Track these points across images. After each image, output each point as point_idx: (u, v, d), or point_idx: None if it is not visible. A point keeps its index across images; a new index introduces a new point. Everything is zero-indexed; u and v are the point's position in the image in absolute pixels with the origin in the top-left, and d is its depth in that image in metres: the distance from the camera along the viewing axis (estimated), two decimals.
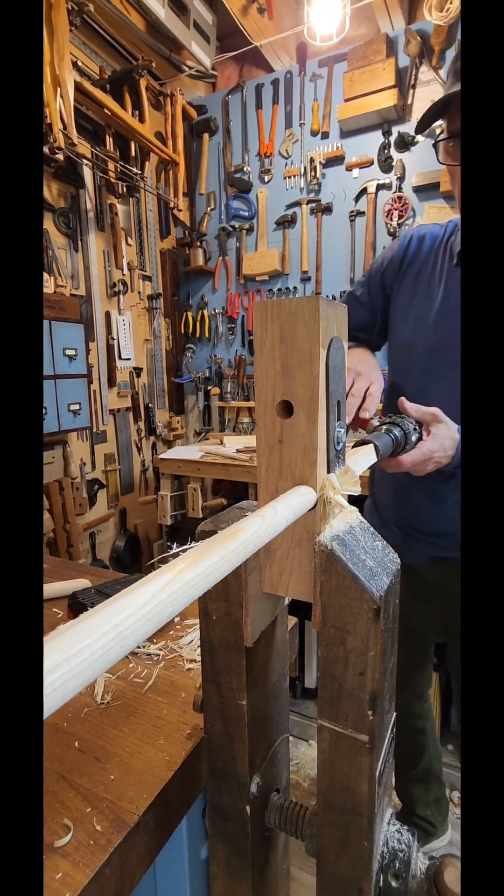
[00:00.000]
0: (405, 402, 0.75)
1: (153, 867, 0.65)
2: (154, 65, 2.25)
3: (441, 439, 0.76)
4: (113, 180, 2.26)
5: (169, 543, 2.47)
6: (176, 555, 0.27)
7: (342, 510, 0.43)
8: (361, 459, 0.56)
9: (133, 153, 2.34)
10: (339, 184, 2.41)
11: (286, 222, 2.56)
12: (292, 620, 0.88)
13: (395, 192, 2.25)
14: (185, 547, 0.33)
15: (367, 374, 0.85)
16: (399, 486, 1.07)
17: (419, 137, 2.17)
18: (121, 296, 2.49)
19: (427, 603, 1.13)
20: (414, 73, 2.14)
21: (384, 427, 0.69)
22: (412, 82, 2.15)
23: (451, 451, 0.78)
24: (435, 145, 0.89)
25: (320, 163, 2.40)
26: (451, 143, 0.86)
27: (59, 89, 1.73)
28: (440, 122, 0.89)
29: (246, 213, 2.68)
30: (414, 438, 0.72)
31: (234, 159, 2.69)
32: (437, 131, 0.93)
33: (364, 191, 2.33)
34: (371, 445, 0.61)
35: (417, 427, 0.74)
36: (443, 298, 0.98)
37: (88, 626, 0.19)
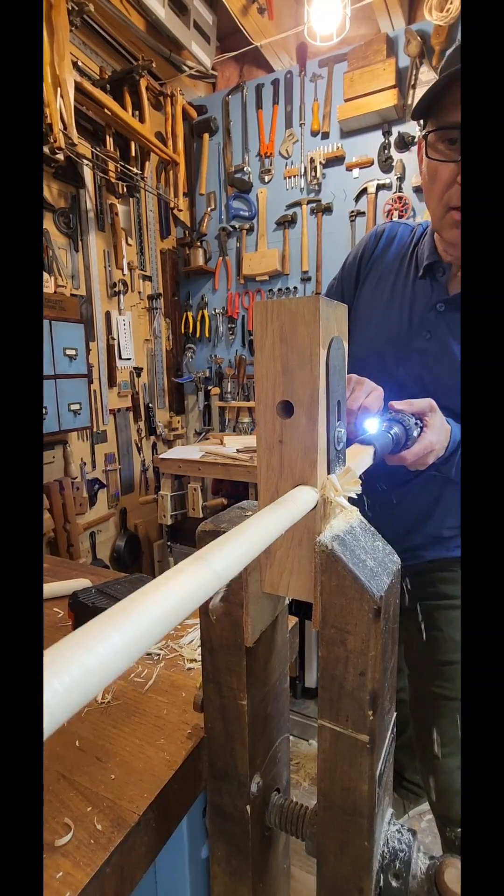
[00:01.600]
0: (396, 404, 0.74)
1: (153, 867, 0.65)
2: (154, 65, 2.25)
3: (438, 430, 0.75)
4: (113, 180, 2.27)
5: (169, 543, 2.47)
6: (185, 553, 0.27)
7: (342, 510, 0.43)
8: (359, 460, 0.56)
9: (133, 153, 2.34)
10: (339, 184, 2.41)
11: (286, 222, 2.56)
12: (292, 620, 0.88)
13: (395, 192, 2.25)
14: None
15: (366, 383, 0.80)
16: None
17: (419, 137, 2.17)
18: (121, 296, 2.49)
19: None
20: (414, 73, 2.14)
21: (384, 425, 0.68)
22: (412, 82, 2.15)
23: (446, 443, 0.77)
24: (425, 136, 0.80)
25: (320, 163, 2.40)
26: (446, 136, 0.76)
27: (59, 89, 1.73)
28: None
29: (246, 213, 2.68)
30: (416, 434, 0.71)
31: (235, 159, 2.69)
32: (423, 125, 0.83)
33: (364, 191, 2.33)
34: (370, 446, 0.61)
35: (419, 421, 0.74)
36: (409, 314, 0.94)
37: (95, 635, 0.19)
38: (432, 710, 1.02)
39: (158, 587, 0.22)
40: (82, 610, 0.84)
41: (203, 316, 2.86)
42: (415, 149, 2.20)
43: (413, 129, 2.19)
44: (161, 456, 2.35)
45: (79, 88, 1.88)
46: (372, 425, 0.68)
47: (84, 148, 2.06)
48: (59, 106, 1.74)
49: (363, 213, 2.36)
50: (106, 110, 2.08)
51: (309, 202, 2.48)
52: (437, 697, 1.01)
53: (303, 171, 2.49)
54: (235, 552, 0.26)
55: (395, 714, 0.47)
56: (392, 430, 0.67)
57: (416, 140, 2.18)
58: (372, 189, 2.29)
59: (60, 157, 1.94)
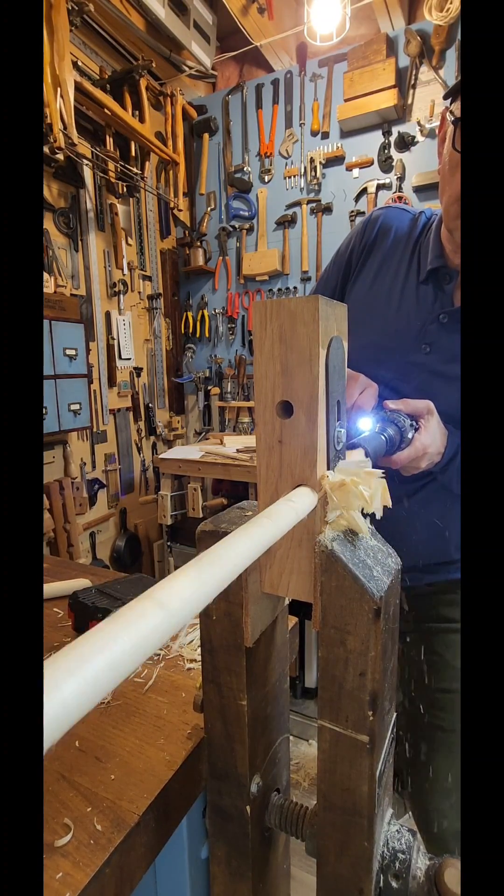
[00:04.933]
0: (391, 404, 0.70)
1: (153, 867, 0.65)
2: (154, 65, 2.25)
3: (433, 433, 0.71)
4: (113, 180, 2.27)
5: (169, 543, 2.47)
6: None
7: (345, 512, 0.43)
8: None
9: (133, 153, 2.34)
10: (339, 184, 2.41)
11: (286, 222, 2.56)
12: (292, 620, 0.88)
13: (395, 192, 2.26)
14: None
15: (360, 379, 0.75)
16: None
17: (419, 137, 2.18)
18: (121, 296, 2.49)
19: None
20: (414, 73, 2.14)
21: (377, 426, 0.65)
22: (412, 82, 2.15)
23: (441, 448, 0.74)
24: (455, 122, 0.73)
25: (320, 163, 2.40)
26: None
27: (59, 89, 1.73)
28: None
29: (246, 213, 2.68)
30: (410, 435, 0.69)
31: (234, 159, 2.69)
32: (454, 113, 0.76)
33: (364, 191, 2.33)
34: (360, 449, 0.59)
35: (414, 422, 0.71)
36: (407, 323, 0.86)
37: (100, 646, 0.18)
38: (425, 743, 0.93)
39: (98, 638, 0.18)
40: (82, 610, 0.84)
41: (203, 316, 2.86)
42: (414, 149, 2.20)
43: (413, 128, 2.19)
44: (161, 456, 2.35)
45: (79, 88, 1.88)
46: (365, 424, 0.65)
47: (84, 148, 2.06)
48: (59, 106, 1.74)
49: (363, 212, 2.36)
50: (106, 110, 2.08)
51: (309, 202, 2.48)
52: (431, 729, 0.93)
53: (303, 170, 2.49)
54: (197, 589, 0.23)
55: (395, 714, 0.47)
56: (386, 431, 0.64)
57: (415, 140, 2.18)
58: (372, 189, 2.29)
59: (60, 157, 1.94)
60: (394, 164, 2.24)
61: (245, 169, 2.65)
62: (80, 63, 2.06)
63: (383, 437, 0.62)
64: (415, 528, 0.90)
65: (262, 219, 2.63)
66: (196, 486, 2.31)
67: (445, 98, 0.77)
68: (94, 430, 2.39)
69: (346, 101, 2.23)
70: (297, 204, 2.51)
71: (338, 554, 0.39)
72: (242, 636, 0.46)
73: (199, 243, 2.80)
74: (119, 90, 2.23)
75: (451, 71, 2.09)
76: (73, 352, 1.98)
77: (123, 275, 2.51)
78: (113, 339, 2.46)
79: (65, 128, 1.77)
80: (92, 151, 2.12)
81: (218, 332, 2.85)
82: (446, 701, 0.92)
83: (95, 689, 0.17)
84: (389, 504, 0.43)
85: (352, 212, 2.38)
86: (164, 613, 0.20)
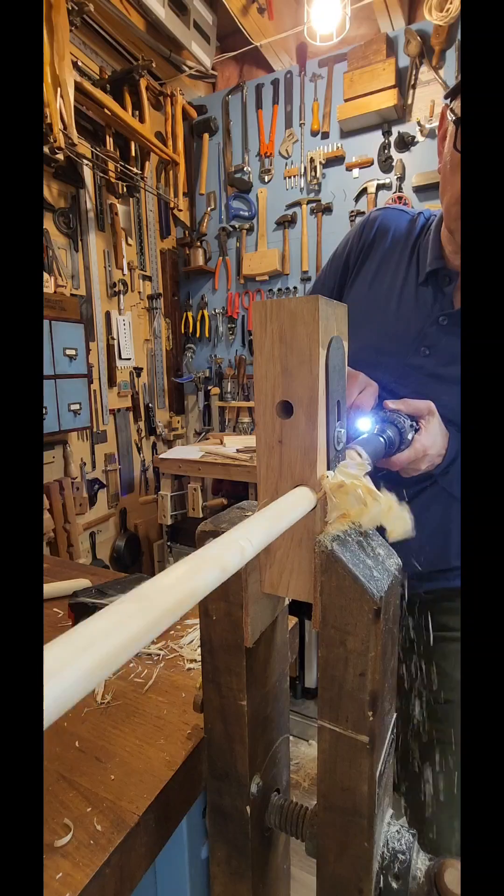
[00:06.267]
0: (391, 404, 0.69)
1: (153, 867, 0.65)
2: (154, 65, 2.25)
3: (434, 435, 0.70)
4: (113, 180, 2.27)
5: (169, 543, 2.47)
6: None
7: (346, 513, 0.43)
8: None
9: (133, 153, 2.34)
10: (339, 184, 2.41)
11: (286, 222, 2.56)
12: (292, 620, 0.88)
13: (395, 192, 2.26)
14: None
15: (359, 378, 0.73)
16: None
17: (419, 137, 2.18)
18: (121, 296, 2.49)
19: None
20: (414, 73, 2.14)
21: (376, 427, 0.64)
22: (412, 82, 2.15)
23: (442, 450, 0.72)
24: (457, 122, 0.71)
25: (320, 163, 2.40)
26: None
27: (59, 89, 1.73)
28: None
29: (246, 213, 2.68)
30: (410, 436, 0.67)
31: (234, 159, 2.69)
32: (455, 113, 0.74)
33: (364, 191, 2.33)
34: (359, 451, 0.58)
35: (414, 423, 0.70)
36: (407, 325, 0.85)
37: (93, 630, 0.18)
38: (421, 756, 0.90)
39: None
40: (82, 610, 0.84)
41: (203, 316, 2.86)
42: (414, 149, 2.20)
43: (413, 128, 2.19)
44: (161, 456, 2.35)
45: (79, 88, 1.88)
46: (364, 425, 0.65)
47: (84, 148, 2.06)
48: (59, 106, 1.74)
49: (363, 212, 2.36)
50: (106, 110, 2.08)
51: (309, 202, 2.48)
52: (428, 739, 0.90)
53: (303, 170, 2.49)
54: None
55: (395, 715, 0.47)
56: (385, 432, 0.62)
57: (415, 140, 2.18)
58: (372, 189, 2.30)
59: (60, 157, 1.94)
60: (394, 164, 2.24)
61: (245, 169, 2.65)
62: (80, 63, 2.06)
63: (382, 439, 0.61)
64: (413, 534, 0.88)
65: (262, 219, 2.63)
66: (196, 486, 2.31)
67: (446, 98, 0.76)
68: (94, 430, 2.39)
69: (346, 101, 2.23)
70: (297, 204, 2.51)
71: (338, 554, 0.39)
72: (242, 636, 0.46)
73: (199, 243, 2.80)
74: (119, 90, 2.23)
75: (451, 71, 2.09)
76: (73, 352, 1.98)
77: (123, 275, 2.51)
78: (113, 339, 2.46)
79: (65, 128, 1.77)
80: (92, 151, 2.12)
81: (218, 332, 2.85)
82: (443, 711, 0.89)
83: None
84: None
85: (352, 212, 2.38)
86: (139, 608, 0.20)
